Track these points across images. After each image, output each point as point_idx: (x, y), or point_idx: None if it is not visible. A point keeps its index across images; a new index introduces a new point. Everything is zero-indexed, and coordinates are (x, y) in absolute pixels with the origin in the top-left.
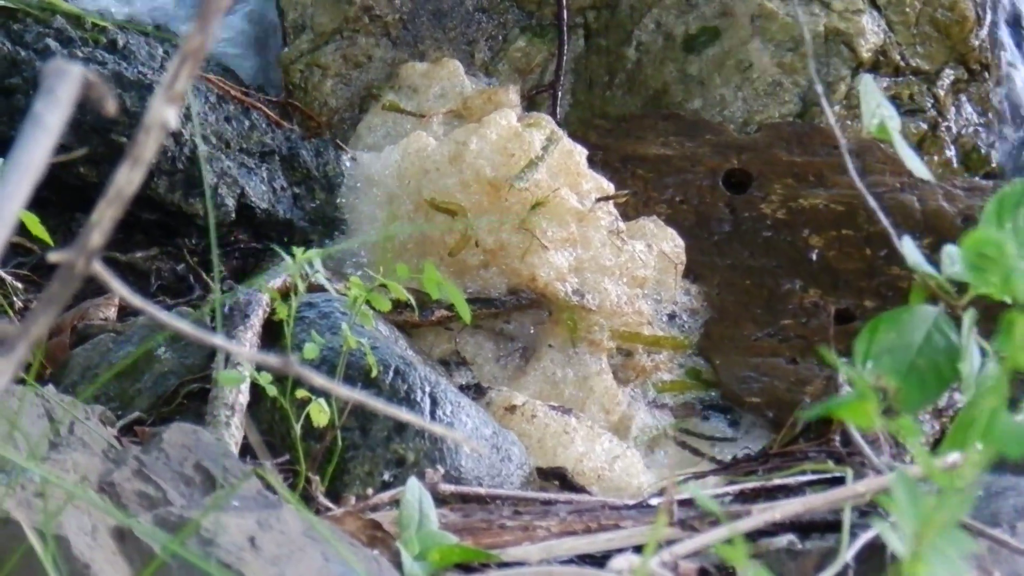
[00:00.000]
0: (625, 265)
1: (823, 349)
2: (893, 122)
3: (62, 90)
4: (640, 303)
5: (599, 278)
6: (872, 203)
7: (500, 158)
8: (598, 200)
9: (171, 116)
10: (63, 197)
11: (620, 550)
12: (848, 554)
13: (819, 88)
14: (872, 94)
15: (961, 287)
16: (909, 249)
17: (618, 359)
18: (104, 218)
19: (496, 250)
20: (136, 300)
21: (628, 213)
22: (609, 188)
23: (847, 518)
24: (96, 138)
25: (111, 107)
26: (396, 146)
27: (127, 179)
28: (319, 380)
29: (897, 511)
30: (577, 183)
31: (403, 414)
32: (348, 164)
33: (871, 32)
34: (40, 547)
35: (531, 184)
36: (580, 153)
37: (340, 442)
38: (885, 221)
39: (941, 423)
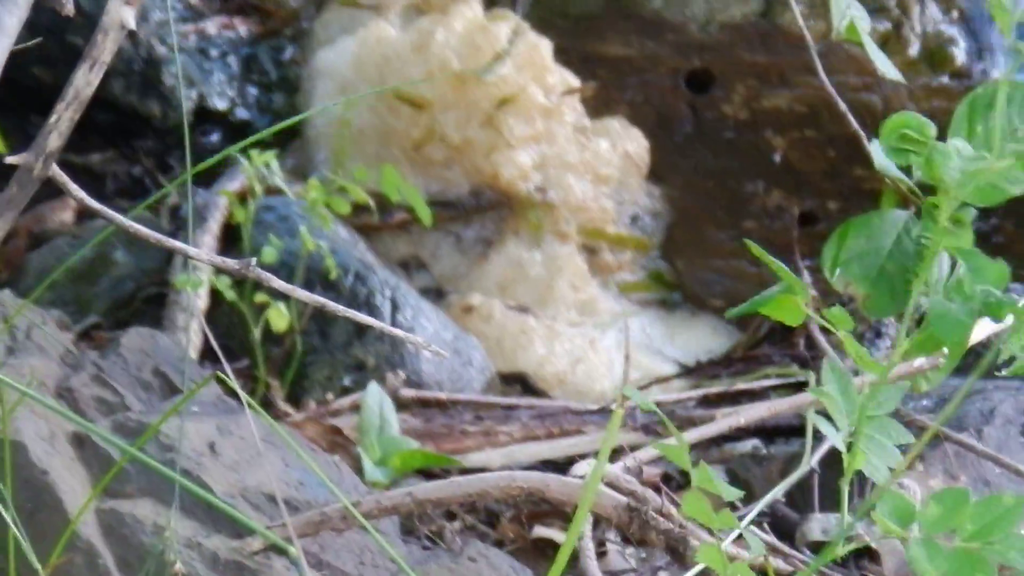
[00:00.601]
0: (590, 162)
1: (750, 243)
2: (863, 22)
3: None
4: (605, 201)
5: (563, 174)
6: (841, 105)
7: (466, 50)
8: (564, 93)
9: (129, 16)
10: (18, 100)
11: (583, 456)
12: (813, 459)
13: None
14: None
15: (933, 190)
16: (877, 152)
17: (582, 256)
18: (62, 120)
19: (462, 146)
20: (94, 204)
21: (589, 114)
22: (575, 83)
23: (810, 422)
24: (52, 38)
25: (69, 7)
26: (353, 36)
27: (85, 80)
28: (278, 283)
29: (830, 404)
30: (542, 77)
31: (363, 318)
32: (306, 63)
33: None
34: None
35: (498, 78)
36: (546, 47)
37: (300, 346)
38: (854, 123)
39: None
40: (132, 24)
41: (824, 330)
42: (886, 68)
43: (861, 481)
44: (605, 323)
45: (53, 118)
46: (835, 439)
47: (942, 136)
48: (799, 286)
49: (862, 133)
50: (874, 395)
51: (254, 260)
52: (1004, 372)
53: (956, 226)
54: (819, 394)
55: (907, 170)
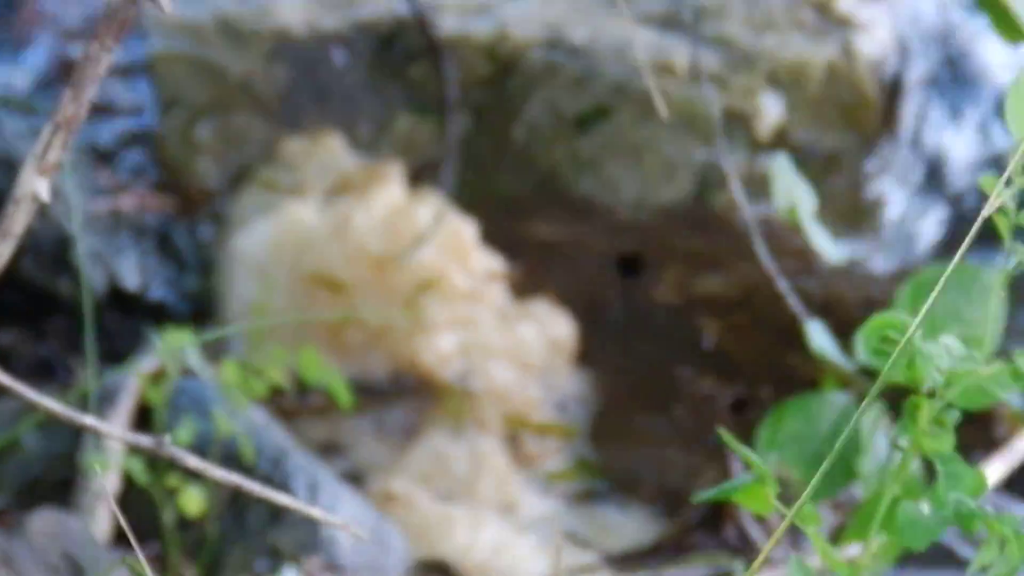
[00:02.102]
0: (514, 349)
1: (723, 431)
2: (807, 203)
3: None
4: (529, 388)
5: (486, 361)
6: (781, 285)
7: (386, 233)
8: (488, 278)
9: (42, 188)
10: None
11: None
12: None
13: (726, 165)
14: (786, 171)
15: (870, 373)
16: (815, 333)
17: (505, 447)
18: None
19: (381, 331)
20: (5, 379)
21: (516, 297)
22: (499, 267)
23: None
24: None
25: None
26: (270, 219)
27: None
28: (193, 462)
29: None
30: (465, 260)
31: (280, 497)
32: (222, 244)
33: (771, 111)
34: None
35: (418, 263)
36: (469, 230)
37: (214, 531)
38: (795, 304)
39: (839, 515)
40: (45, 196)
41: (756, 518)
42: (829, 251)
43: None
44: (529, 525)
45: None
46: None
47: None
48: (769, 478)
49: (801, 314)
50: None
51: (168, 437)
52: None
53: (937, 428)
54: None
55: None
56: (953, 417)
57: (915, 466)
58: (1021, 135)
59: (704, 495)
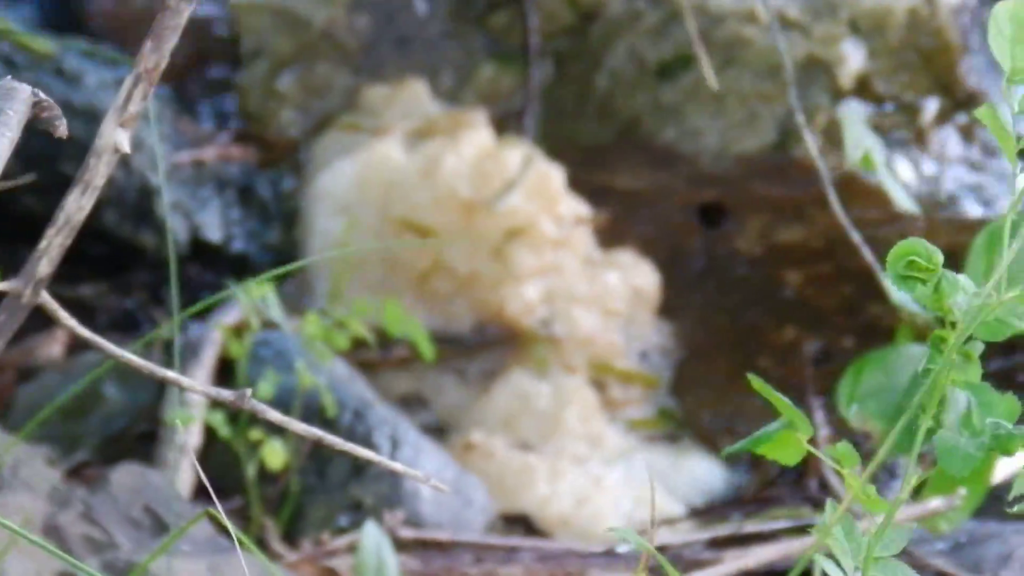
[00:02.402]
0: (599, 296)
1: (753, 377)
2: (877, 153)
3: (11, 109)
4: (613, 336)
5: (571, 308)
6: (855, 237)
7: (476, 177)
8: (575, 222)
9: (123, 140)
10: (9, 229)
11: None
12: None
13: (799, 117)
14: (855, 124)
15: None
16: (893, 287)
17: (591, 391)
18: (52, 246)
19: (468, 278)
20: (85, 332)
21: (599, 246)
22: (586, 213)
23: (819, 566)
24: (44, 167)
25: (63, 129)
26: (352, 158)
27: (77, 206)
28: (274, 416)
29: (834, 545)
30: (553, 207)
31: (363, 452)
32: (305, 187)
33: (852, 59)
34: None
35: (507, 208)
36: (557, 176)
37: (296, 485)
38: (870, 256)
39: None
40: (126, 148)
41: (837, 471)
42: (901, 199)
43: None
44: (613, 458)
45: (43, 244)
46: None
47: (962, 270)
48: (801, 421)
49: (877, 267)
50: (880, 536)
51: (249, 391)
52: (1015, 509)
53: (963, 360)
54: (822, 533)
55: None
56: (978, 348)
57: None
58: (1007, 65)
59: (734, 447)
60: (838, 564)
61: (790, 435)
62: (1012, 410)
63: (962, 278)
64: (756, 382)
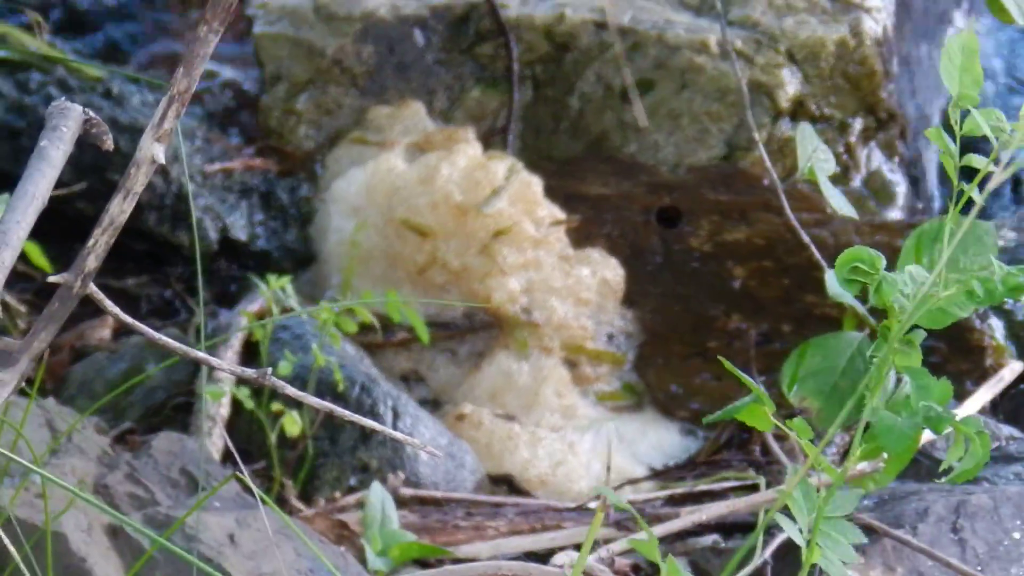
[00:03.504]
0: (572, 287)
1: (724, 360)
2: (826, 164)
3: (65, 126)
4: (584, 321)
5: (548, 297)
6: (805, 238)
7: (468, 184)
8: (552, 224)
9: (159, 152)
10: (63, 230)
11: (562, 548)
12: (765, 552)
13: (755, 133)
14: (810, 138)
15: (884, 315)
16: (832, 281)
17: (564, 368)
18: (99, 244)
19: (460, 272)
20: (128, 319)
21: (572, 245)
22: (561, 216)
23: (761, 519)
24: (93, 175)
25: (109, 143)
26: (363, 167)
27: (119, 209)
28: (292, 392)
29: (793, 505)
30: (534, 211)
31: (369, 423)
32: (320, 192)
33: (789, 84)
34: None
35: (494, 211)
36: (537, 184)
37: (311, 450)
38: (818, 254)
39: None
40: (162, 159)
41: (778, 438)
42: (841, 205)
43: (817, 573)
44: (584, 426)
45: (91, 242)
46: (796, 537)
47: (890, 266)
48: (766, 398)
49: (824, 263)
50: (831, 498)
51: (270, 370)
52: (943, 480)
53: (906, 347)
54: (784, 496)
55: (862, 298)
56: (919, 336)
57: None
58: (955, 91)
59: (714, 416)
60: (795, 521)
61: (759, 408)
62: (945, 394)
63: (910, 271)
64: (726, 364)
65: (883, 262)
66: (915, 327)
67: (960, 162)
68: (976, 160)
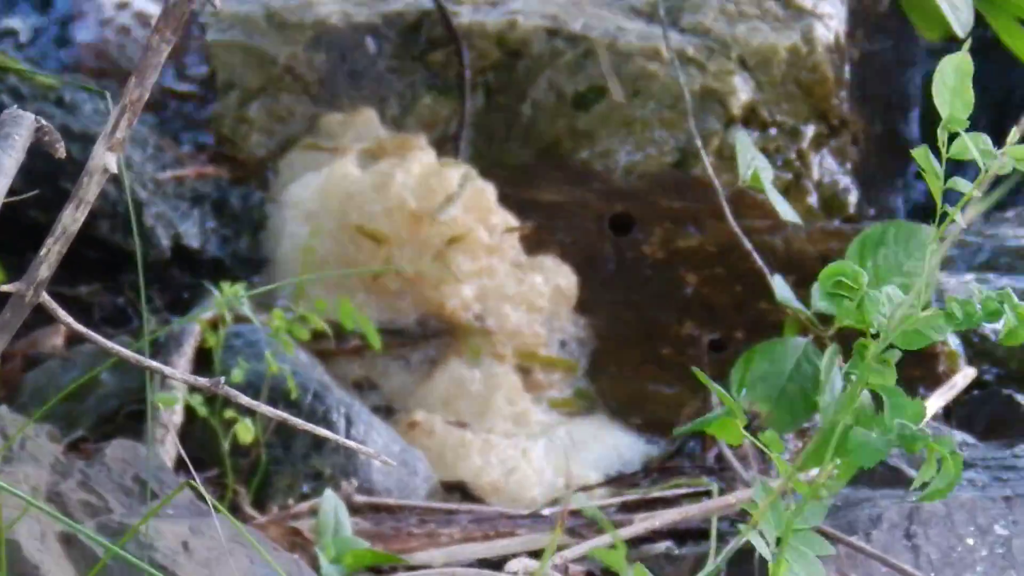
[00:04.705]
0: (525, 294)
1: (698, 372)
2: (766, 172)
3: (17, 134)
4: (537, 327)
5: (501, 304)
6: (747, 244)
7: (422, 191)
8: (505, 231)
9: (111, 161)
10: (15, 238)
11: (515, 555)
12: (719, 559)
13: (698, 141)
14: (747, 147)
15: (828, 320)
16: (779, 286)
17: (517, 375)
18: (51, 253)
19: (414, 278)
20: (80, 328)
21: (525, 252)
22: (514, 223)
23: (714, 526)
24: (46, 184)
25: (62, 151)
26: (318, 172)
27: (72, 218)
28: (245, 400)
29: (761, 518)
30: (487, 218)
31: (322, 431)
32: (273, 197)
33: (742, 91)
34: None
35: (448, 218)
36: (491, 191)
37: (265, 457)
38: (759, 261)
39: (804, 441)
40: (114, 168)
41: (730, 445)
42: (786, 211)
43: None
44: (537, 433)
45: (43, 251)
46: (763, 550)
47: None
48: (739, 411)
49: (766, 269)
50: (800, 511)
51: (223, 379)
52: (915, 498)
53: (881, 365)
54: (751, 508)
55: (805, 301)
56: (895, 356)
57: (865, 399)
58: (946, 113)
59: (684, 428)
60: (762, 535)
61: (731, 421)
62: (918, 413)
63: (888, 292)
64: (700, 375)
65: (867, 279)
66: (891, 346)
67: (945, 184)
68: (961, 184)
